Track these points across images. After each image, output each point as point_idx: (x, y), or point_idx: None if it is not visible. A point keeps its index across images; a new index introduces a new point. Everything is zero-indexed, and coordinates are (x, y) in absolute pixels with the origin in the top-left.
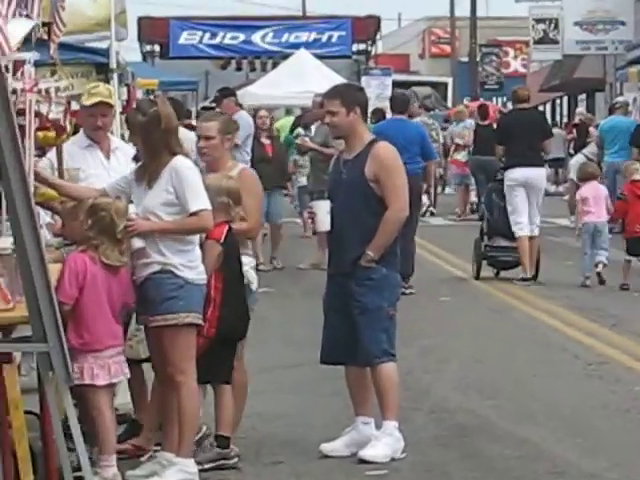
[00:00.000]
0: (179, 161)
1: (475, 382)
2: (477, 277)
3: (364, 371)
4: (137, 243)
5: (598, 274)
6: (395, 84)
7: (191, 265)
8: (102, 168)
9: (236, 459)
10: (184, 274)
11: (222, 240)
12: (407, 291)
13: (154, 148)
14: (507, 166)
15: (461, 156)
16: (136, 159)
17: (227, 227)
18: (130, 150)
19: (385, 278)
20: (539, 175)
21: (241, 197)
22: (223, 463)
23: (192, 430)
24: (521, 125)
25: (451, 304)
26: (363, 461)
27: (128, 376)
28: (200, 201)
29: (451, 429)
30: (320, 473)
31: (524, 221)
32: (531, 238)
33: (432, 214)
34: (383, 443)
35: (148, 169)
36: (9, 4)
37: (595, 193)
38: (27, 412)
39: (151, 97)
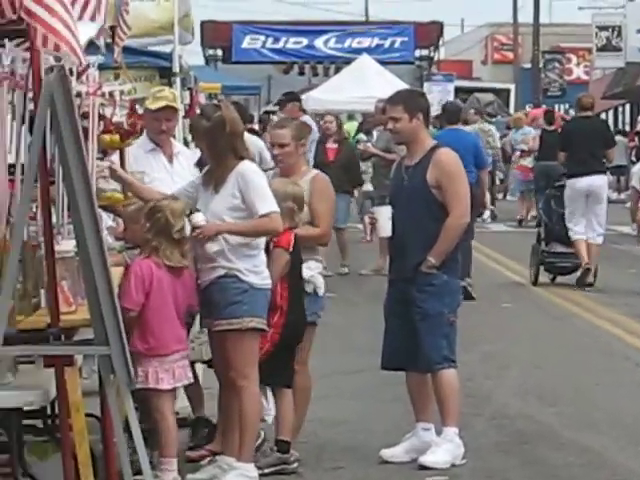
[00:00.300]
0: (245, 165)
1: (536, 389)
2: (535, 283)
3: (425, 377)
4: (213, 247)
5: None
6: (457, 90)
7: (256, 270)
8: (165, 172)
9: (296, 464)
10: (249, 279)
11: (291, 248)
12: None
13: (219, 153)
14: (570, 174)
15: (527, 162)
16: (200, 164)
17: (293, 234)
18: (191, 154)
19: (446, 284)
20: (601, 183)
21: (304, 203)
22: (283, 468)
23: (253, 435)
24: (584, 133)
25: (512, 310)
26: (423, 467)
27: (192, 380)
28: (268, 203)
29: (512, 435)
30: (380, 478)
31: (580, 230)
32: (591, 245)
33: (494, 217)
34: (443, 449)
35: (214, 174)
36: (73, 5)
37: None
38: (88, 415)
39: (215, 102)
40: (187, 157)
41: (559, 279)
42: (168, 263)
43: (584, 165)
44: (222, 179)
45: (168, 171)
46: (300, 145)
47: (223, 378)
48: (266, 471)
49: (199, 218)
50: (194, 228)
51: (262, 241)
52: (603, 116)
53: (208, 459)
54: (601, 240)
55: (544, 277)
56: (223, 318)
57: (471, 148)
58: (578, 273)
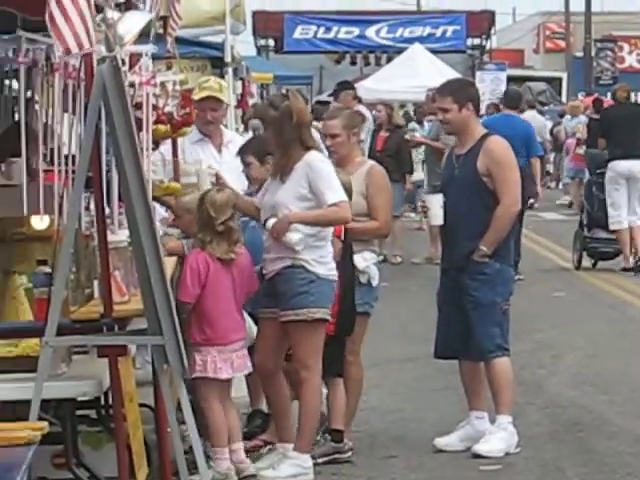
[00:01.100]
0: (312, 155)
1: (589, 377)
2: (578, 267)
3: (478, 366)
4: (294, 237)
5: None
6: (509, 79)
7: (323, 261)
8: (214, 161)
9: (349, 453)
10: (316, 269)
11: (342, 237)
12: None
13: (286, 142)
14: (609, 159)
15: (582, 150)
16: (242, 152)
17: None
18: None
19: (498, 273)
20: None
21: (352, 192)
22: (337, 457)
23: (313, 426)
24: (622, 118)
25: (564, 299)
26: (477, 456)
27: (251, 369)
28: (337, 193)
29: (565, 424)
30: (434, 467)
31: (622, 214)
32: (632, 228)
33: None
34: (497, 438)
35: (280, 163)
36: None
37: None
38: (142, 405)
39: (283, 92)
40: (239, 146)
41: (604, 265)
42: (217, 255)
43: (624, 149)
44: (288, 169)
45: (217, 161)
46: (352, 134)
47: (262, 369)
48: (320, 460)
49: (270, 223)
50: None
51: (329, 232)
52: None
53: (267, 448)
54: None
55: (600, 265)
56: (290, 308)
57: (524, 135)
58: (630, 265)
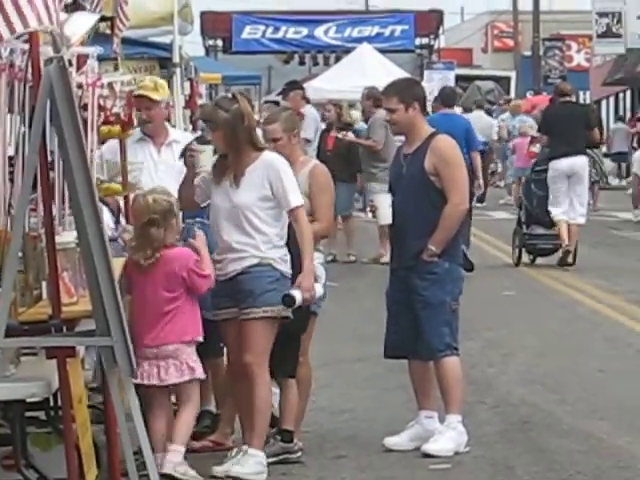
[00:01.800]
0: (272, 156)
1: (539, 376)
2: (517, 264)
3: (427, 365)
4: (318, 289)
5: None
6: (458, 78)
7: (285, 259)
8: (150, 161)
9: (299, 453)
10: (281, 267)
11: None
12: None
13: (238, 145)
14: (552, 156)
15: (536, 148)
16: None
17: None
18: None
19: (447, 272)
20: (582, 163)
21: None
22: (287, 457)
23: (267, 422)
24: (564, 116)
25: (515, 297)
26: (427, 455)
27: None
28: (298, 195)
29: (515, 423)
30: (383, 467)
31: (562, 210)
32: (571, 225)
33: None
34: (447, 437)
35: (233, 167)
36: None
37: None
38: (91, 406)
39: (228, 94)
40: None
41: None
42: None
43: (565, 147)
44: (241, 171)
45: (154, 160)
46: (292, 136)
47: (237, 367)
48: (269, 460)
49: (299, 297)
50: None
51: (285, 232)
52: (604, 103)
53: (235, 450)
54: (583, 220)
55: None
56: (256, 306)
57: (462, 131)
58: (559, 254)
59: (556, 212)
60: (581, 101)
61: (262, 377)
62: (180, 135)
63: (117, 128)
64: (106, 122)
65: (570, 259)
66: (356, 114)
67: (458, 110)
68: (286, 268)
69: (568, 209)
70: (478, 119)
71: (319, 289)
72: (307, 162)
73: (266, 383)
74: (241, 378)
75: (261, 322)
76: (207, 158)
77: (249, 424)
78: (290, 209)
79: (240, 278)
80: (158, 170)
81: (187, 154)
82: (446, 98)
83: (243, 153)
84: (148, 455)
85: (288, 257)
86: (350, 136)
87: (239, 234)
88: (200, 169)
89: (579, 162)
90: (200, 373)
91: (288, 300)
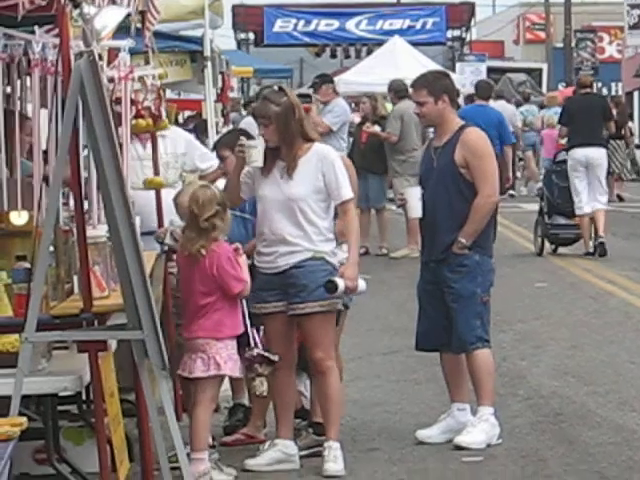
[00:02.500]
0: (324, 147)
1: (570, 368)
2: (540, 254)
3: (459, 357)
4: (362, 284)
5: None
6: (490, 70)
7: (335, 252)
8: (136, 156)
9: None
10: (333, 261)
11: None
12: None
13: (292, 137)
14: (570, 146)
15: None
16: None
17: None
18: (179, 138)
19: (478, 264)
20: (599, 154)
21: None
22: (319, 450)
23: (340, 413)
24: (583, 108)
25: (547, 289)
26: (459, 447)
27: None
28: (349, 189)
29: (547, 415)
30: (415, 460)
31: (583, 200)
32: (595, 212)
33: (511, 196)
34: (479, 429)
35: (287, 159)
36: None
37: None
38: (123, 400)
39: (275, 87)
40: (173, 141)
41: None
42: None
43: (583, 137)
44: (295, 164)
45: (139, 155)
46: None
47: (294, 360)
48: (302, 453)
49: (341, 285)
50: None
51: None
52: (636, 94)
53: (268, 443)
54: (603, 206)
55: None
56: (312, 300)
57: (495, 123)
58: (591, 249)
59: (577, 204)
60: (613, 93)
61: (334, 369)
62: (170, 130)
63: (149, 121)
64: (138, 116)
65: (605, 249)
66: (390, 106)
67: (504, 102)
68: (336, 262)
69: (588, 198)
70: (501, 108)
71: (363, 284)
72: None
73: (337, 374)
74: (282, 372)
75: (320, 316)
76: (258, 154)
77: (325, 416)
78: (342, 202)
79: (293, 272)
80: (144, 165)
81: (237, 149)
82: (482, 91)
83: (296, 145)
84: (180, 449)
85: (337, 251)
86: (372, 128)
87: (292, 226)
88: (252, 164)
89: (596, 152)
90: (230, 369)
91: (330, 286)
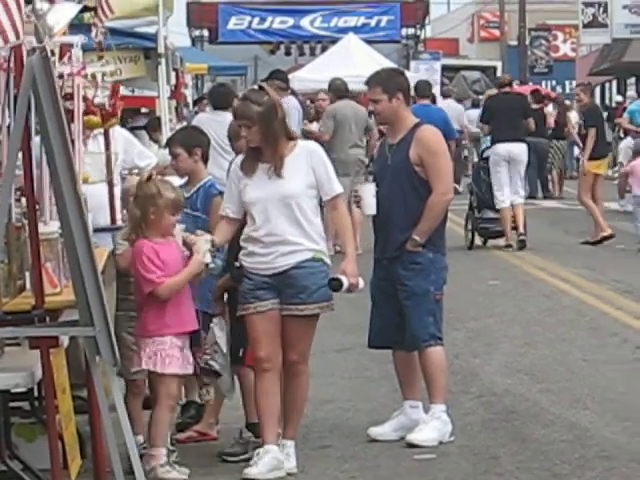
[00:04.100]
0: (310, 143)
1: (523, 366)
2: (470, 247)
3: (412, 355)
4: (361, 282)
5: None
6: (444, 68)
7: (328, 253)
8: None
9: None
10: (329, 261)
11: None
12: None
13: (276, 136)
14: (492, 142)
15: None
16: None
17: None
18: (123, 135)
19: (431, 262)
20: (520, 150)
21: None
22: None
23: (301, 415)
24: (504, 106)
25: (500, 287)
26: (411, 445)
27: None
28: (339, 184)
29: (500, 413)
30: (368, 457)
31: (505, 194)
32: (514, 207)
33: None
34: (431, 427)
35: (272, 158)
36: None
37: None
38: (75, 397)
39: (255, 86)
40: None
41: (539, 254)
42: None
43: (505, 134)
44: (282, 162)
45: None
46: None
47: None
48: (242, 457)
49: (346, 282)
50: (348, 290)
51: None
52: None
53: (260, 451)
54: (522, 200)
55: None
56: (312, 302)
57: (439, 121)
58: (512, 242)
59: (500, 198)
60: (567, 91)
61: (306, 372)
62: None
63: (97, 118)
64: (88, 112)
65: (525, 243)
66: None
67: (451, 101)
68: (330, 262)
69: (510, 192)
70: (447, 107)
71: (361, 281)
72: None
73: (307, 377)
74: (271, 372)
75: (312, 319)
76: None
77: (287, 414)
78: (333, 196)
79: (292, 273)
80: (84, 164)
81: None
82: (421, 90)
83: (281, 144)
84: (132, 447)
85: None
86: (308, 126)
87: (292, 226)
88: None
89: (517, 148)
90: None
91: (335, 284)
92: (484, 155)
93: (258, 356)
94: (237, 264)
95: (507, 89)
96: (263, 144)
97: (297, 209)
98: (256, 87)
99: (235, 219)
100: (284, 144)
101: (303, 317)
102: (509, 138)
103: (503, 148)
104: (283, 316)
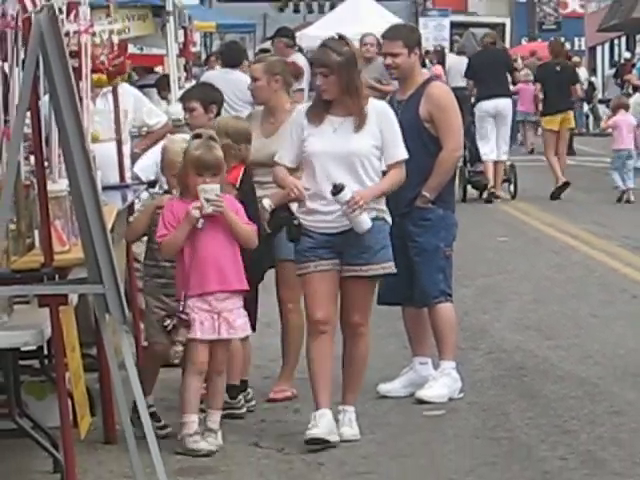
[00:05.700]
0: (380, 103)
1: (532, 322)
2: (464, 200)
3: (421, 311)
4: (368, 222)
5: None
6: (453, 25)
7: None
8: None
9: (244, 409)
10: (389, 219)
11: (238, 184)
12: None
13: (355, 87)
14: (478, 98)
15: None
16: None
17: (242, 170)
18: (132, 94)
19: (441, 218)
20: (505, 104)
21: (249, 137)
22: (231, 413)
23: (363, 380)
24: (487, 62)
25: (509, 244)
26: (421, 401)
27: None
28: (404, 149)
29: (509, 369)
30: (378, 414)
31: (492, 146)
32: (497, 162)
33: None
34: (440, 383)
35: (353, 110)
36: None
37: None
38: (85, 355)
39: (335, 36)
40: (121, 97)
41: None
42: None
43: (490, 89)
44: (364, 116)
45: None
46: (274, 80)
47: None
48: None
49: (348, 194)
50: (347, 205)
51: None
52: (599, 49)
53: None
54: (506, 157)
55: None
56: (376, 262)
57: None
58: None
59: (484, 150)
60: (576, 48)
61: (368, 334)
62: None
63: (105, 76)
64: (95, 70)
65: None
66: None
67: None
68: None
69: (494, 148)
70: (459, 64)
71: (368, 219)
72: (293, 108)
73: (368, 340)
74: (328, 334)
75: (374, 280)
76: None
77: (347, 380)
78: (396, 162)
79: (356, 232)
80: (94, 122)
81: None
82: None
83: (361, 96)
84: (142, 405)
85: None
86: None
87: (356, 184)
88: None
89: (502, 103)
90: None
91: (334, 190)
92: (473, 110)
93: (315, 318)
94: (296, 222)
95: (491, 46)
96: (339, 96)
97: (360, 167)
98: (336, 36)
99: (291, 169)
100: (363, 97)
101: (367, 278)
102: (494, 93)
103: (489, 104)
104: (345, 277)
